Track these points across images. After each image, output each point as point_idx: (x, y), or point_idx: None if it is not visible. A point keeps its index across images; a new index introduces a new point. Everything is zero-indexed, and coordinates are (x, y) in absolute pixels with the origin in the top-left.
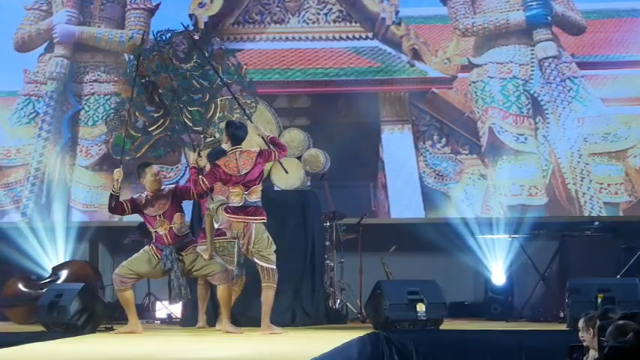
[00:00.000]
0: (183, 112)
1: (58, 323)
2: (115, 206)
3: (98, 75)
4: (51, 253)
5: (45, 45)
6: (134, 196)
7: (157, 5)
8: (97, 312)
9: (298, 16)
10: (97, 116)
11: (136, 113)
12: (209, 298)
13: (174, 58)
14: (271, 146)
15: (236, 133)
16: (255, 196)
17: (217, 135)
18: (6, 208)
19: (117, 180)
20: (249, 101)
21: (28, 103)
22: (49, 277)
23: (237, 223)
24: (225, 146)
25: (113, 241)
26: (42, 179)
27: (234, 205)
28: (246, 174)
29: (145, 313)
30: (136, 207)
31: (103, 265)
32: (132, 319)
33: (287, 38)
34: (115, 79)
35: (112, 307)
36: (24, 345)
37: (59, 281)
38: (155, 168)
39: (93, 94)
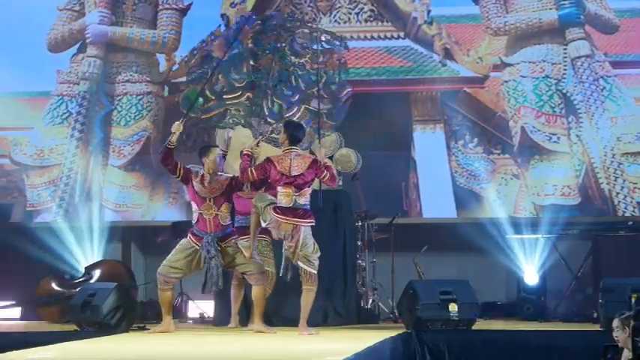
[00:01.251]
0: (267, 99)
1: (91, 322)
2: (169, 159)
3: (130, 75)
4: (84, 252)
5: (78, 45)
6: (191, 167)
7: (189, 5)
8: (129, 311)
9: (330, 16)
10: (130, 116)
11: (219, 76)
12: (242, 298)
13: (289, 47)
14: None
15: (295, 133)
16: (305, 199)
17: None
18: (39, 208)
19: (174, 133)
20: (330, 123)
21: (61, 104)
22: (82, 276)
23: (287, 224)
24: (282, 145)
25: (145, 240)
26: (75, 179)
27: (284, 205)
28: (296, 176)
29: (177, 312)
30: (188, 178)
31: (135, 264)
32: (166, 318)
33: None
34: (148, 79)
35: (144, 307)
36: (57, 344)
37: (92, 281)
38: (219, 149)
39: (125, 94)
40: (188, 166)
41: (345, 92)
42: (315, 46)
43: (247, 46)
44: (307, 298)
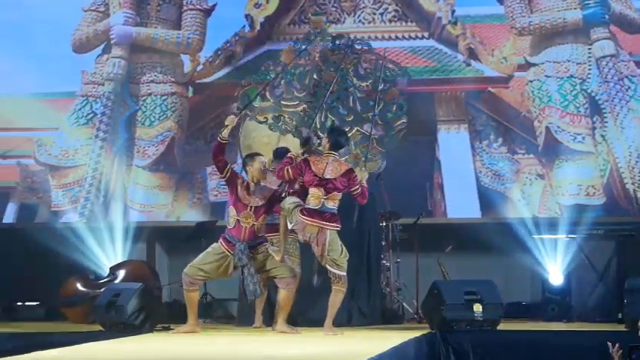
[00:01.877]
0: (323, 113)
1: (116, 323)
2: (220, 155)
3: (155, 76)
4: (108, 253)
5: (102, 46)
6: (238, 172)
7: (213, 6)
8: (154, 311)
9: (354, 16)
10: (154, 117)
11: (282, 81)
12: (266, 298)
13: (352, 68)
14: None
15: (338, 138)
16: (333, 203)
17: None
18: (64, 209)
19: (227, 126)
20: (379, 149)
21: (86, 104)
22: (106, 276)
23: (312, 226)
24: (323, 149)
25: (170, 241)
26: (99, 179)
27: (311, 207)
28: (328, 180)
29: (201, 312)
30: (234, 182)
31: (159, 264)
32: (191, 319)
33: None
34: (172, 79)
35: (169, 307)
36: (82, 344)
37: (117, 281)
38: (264, 159)
39: (150, 94)
40: (236, 171)
41: (399, 122)
42: (378, 74)
43: (314, 59)
44: (335, 298)
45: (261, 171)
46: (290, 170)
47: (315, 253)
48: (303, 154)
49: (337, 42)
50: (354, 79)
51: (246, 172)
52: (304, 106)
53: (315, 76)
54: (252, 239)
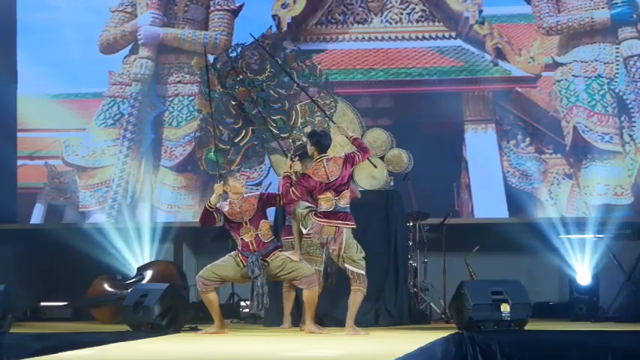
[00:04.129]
0: (268, 121)
1: (143, 323)
2: (208, 219)
3: (182, 76)
4: (136, 253)
5: (130, 47)
6: (218, 206)
7: (241, 6)
8: (181, 312)
9: (381, 16)
10: (182, 117)
11: (219, 127)
12: (294, 299)
13: (249, 71)
14: (355, 148)
15: (321, 141)
16: (345, 202)
17: (304, 138)
18: (91, 209)
19: (218, 195)
20: (328, 101)
21: (113, 105)
22: (134, 277)
23: (329, 227)
24: (312, 156)
25: (197, 241)
26: (126, 180)
27: (325, 210)
28: (335, 180)
29: (228, 312)
30: (225, 217)
31: (187, 265)
32: (217, 320)
33: (370, 38)
34: (199, 80)
35: (196, 307)
36: (109, 344)
37: (144, 281)
38: (235, 173)
39: (177, 95)
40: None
41: (317, 69)
42: (266, 57)
43: (219, 90)
44: (355, 297)
45: (238, 184)
46: (296, 191)
47: (331, 254)
48: (292, 160)
49: (217, 65)
50: (257, 77)
51: (226, 191)
52: (251, 128)
53: (232, 102)
54: (263, 248)
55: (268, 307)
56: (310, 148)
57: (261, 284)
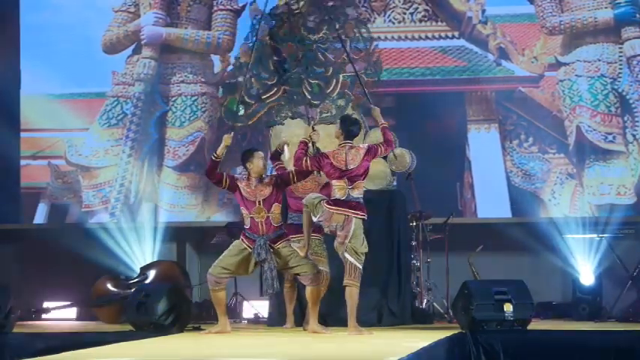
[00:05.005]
0: (304, 83)
1: (146, 323)
2: (214, 172)
3: (185, 76)
4: (139, 253)
5: (133, 47)
6: (236, 175)
7: (244, 6)
8: (184, 312)
9: (384, 16)
10: (185, 117)
11: (252, 80)
12: (296, 298)
13: (304, 28)
14: (370, 138)
15: (351, 128)
16: (358, 192)
17: (334, 111)
18: (94, 209)
19: (225, 145)
20: (371, 80)
21: (117, 105)
22: (137, 276)
23: (338, 215)
24: (338, 139)
25: (200, 241)
26: (130, 180)
27: (337, 198)
28: (352, 169)
29: (232, 312)
30: (235, 186)
31: (190, 264)
32: (222, 319)
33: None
34: (202, 80)
35: (199, 307)
36: (113, 344)
37: (147, 281)
38: (261, 152)
39: (180, 95)
40: (233, 174)
41: (373, 46)
42: (325, 18)
43: (267, 43)
44: (351, 293)
45: (260, 165)
46: (308, 161)
47: (336, 242)
48: (313, 129)
49: (274, 15)
50: (310, 35)
51: (247, 168)
52: (284, 87)
53: (275, 58)
54: (271, 231)
55: (279, 291)
56: (337, 131)
57: (269, 268)
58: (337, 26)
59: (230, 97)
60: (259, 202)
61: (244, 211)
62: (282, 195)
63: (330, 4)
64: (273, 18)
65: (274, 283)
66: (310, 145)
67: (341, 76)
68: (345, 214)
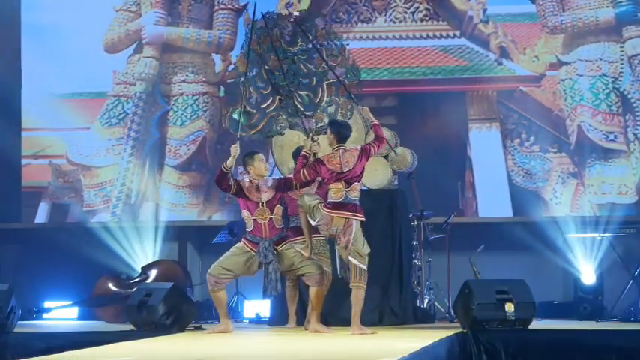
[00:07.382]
0: (295, 96)
1: (148, 322)
2: (223, 182)
3: (186, 75)
4: (140, 252)
5: (134, 46)
6: (238, 178)
7: (245, 6)
8: (185, 311)
9: (385, 15)
10: (186, 116)
11: (250, 89)
12: (298, 298)
13: (282, 41)
14: (372, 137)
15: (341, 131)
16: (355, 194)
17: (326, 119)
18: (95, 209)
19: (233, 156)
20: (353, 83)
21: (118, 104)
22: (138, 276)
23: (339, 218)
24: (330, 145)
25: (201, 240)
26: (131, 179)
27: (334, 201)
28: (348, 171)
29: (233, 312)
30: (240, 190)
31: (191, 264)
32: (223, 318)
33: (374, 37)
34: (204, 79)
35: (200, 307)
36: (114, 343)
37: (148, 280)
38: (262, 155)
39: (181, 94)
40: (237, 179)
41: (347, 52)
42: (297, 29)
43: (257, 52)
44: (357, 295)
45: (263, 168)
46: (306, 173)
47: (339, 246)
48: (313, 140)
49: (256, 28)
50: (289, 48)
51: (248, 171)
52: (278, 97)
53: (266, 67)
54: (274, 234)
55: (281, 292)
56: (330, 137)
57: (273, 270)
58: (310, 37)
59: (232, 107)
60: (263, 203)
61: (247, 214)
62: (283, 199)
63: (295, 14)
64: (257, 31)
65: (277, 284)
66: (311, 157)
67: (325, 83)
68: (345, 218)
